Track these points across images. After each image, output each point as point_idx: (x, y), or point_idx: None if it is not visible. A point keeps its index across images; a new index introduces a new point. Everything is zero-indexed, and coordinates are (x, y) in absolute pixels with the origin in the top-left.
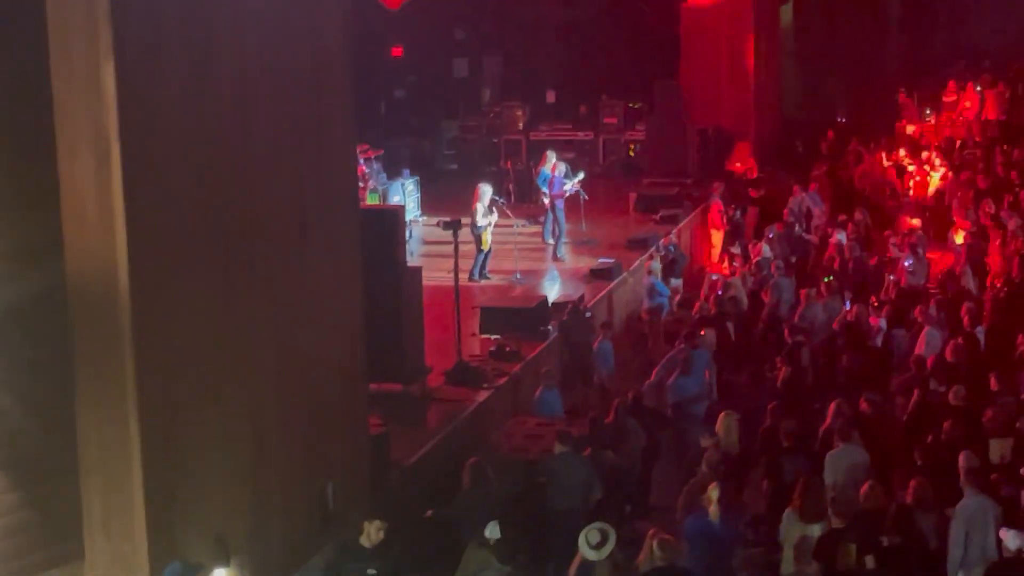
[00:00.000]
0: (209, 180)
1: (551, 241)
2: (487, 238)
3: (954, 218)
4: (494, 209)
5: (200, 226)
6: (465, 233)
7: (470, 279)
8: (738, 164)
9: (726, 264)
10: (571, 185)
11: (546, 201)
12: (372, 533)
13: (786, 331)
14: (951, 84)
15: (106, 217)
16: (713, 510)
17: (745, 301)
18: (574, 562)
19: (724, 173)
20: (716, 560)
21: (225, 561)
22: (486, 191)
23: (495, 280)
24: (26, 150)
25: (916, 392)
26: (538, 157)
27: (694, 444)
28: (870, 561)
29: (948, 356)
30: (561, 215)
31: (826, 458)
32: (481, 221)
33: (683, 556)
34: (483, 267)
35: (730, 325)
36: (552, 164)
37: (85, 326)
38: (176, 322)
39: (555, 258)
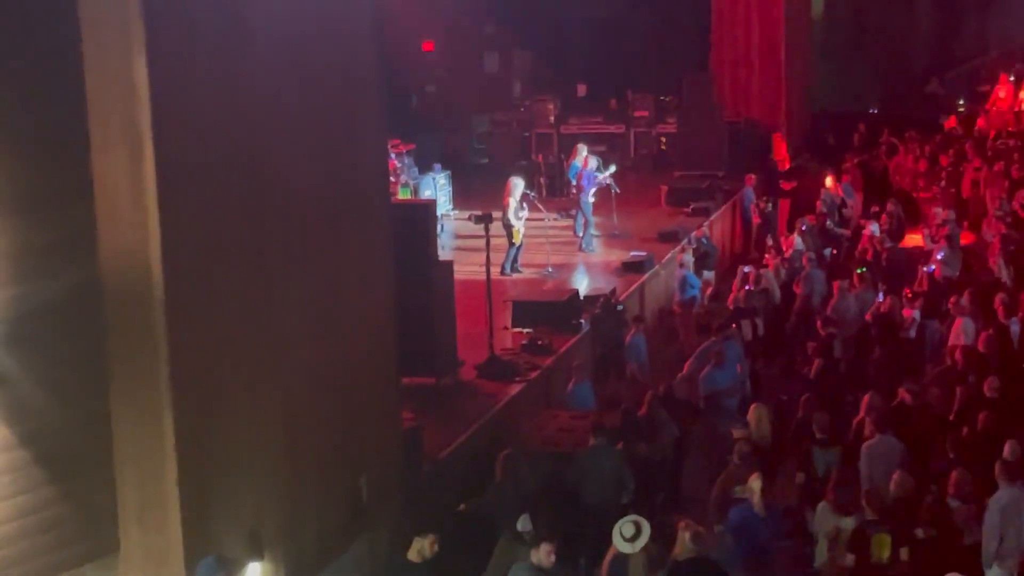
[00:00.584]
0: (241, 175)
1: (582, 234)
2: (519, 232)
3: (988, 209)
4: (525, 203)
5: (233, 221)
6: (497, 227)
7: (502, 273)
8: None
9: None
10: (603, 178)
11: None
12: (426, 548)
13: (818, 323)
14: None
15: (139, 212)
16: (757, 502)
17: (778, 294)
18: (608, 555)
19: (767, 166)
20: (759, 552)
21: (259, 555)
22: (518, 184)
23: (527, 273)
24: (60, 146)
25: (960, 387)
26: (569, 151)
27: (726, 436)
28: (904, 553)
29: (980, 347)
30: (587, 209)
31: (862, 449)
32: (512, 215)
33: (723, 547)
34: (515, 261)
35: (756, 319)
36: (583, 157)
37: (119, 321)
38: (209, 316)
39: (580, 251)
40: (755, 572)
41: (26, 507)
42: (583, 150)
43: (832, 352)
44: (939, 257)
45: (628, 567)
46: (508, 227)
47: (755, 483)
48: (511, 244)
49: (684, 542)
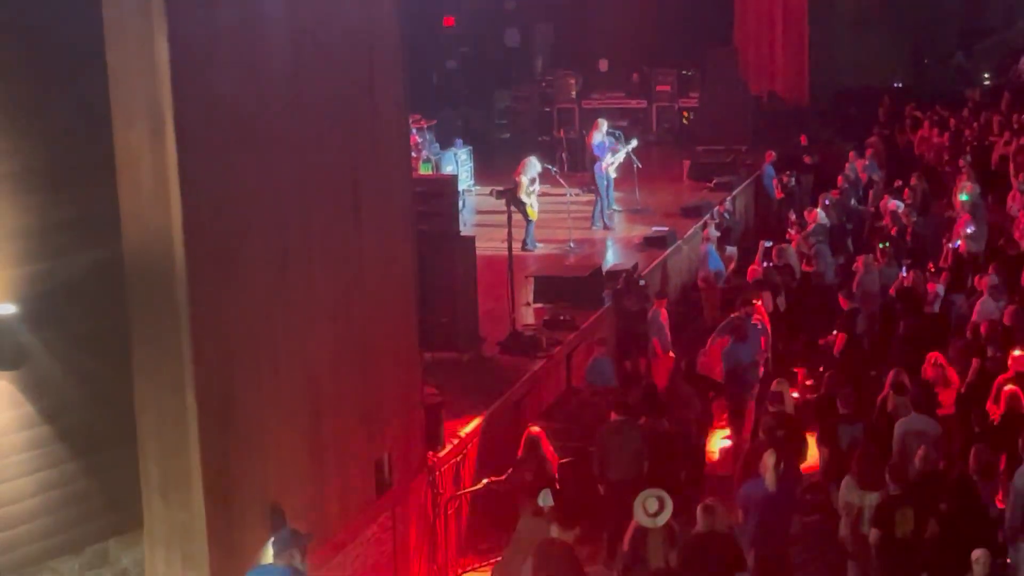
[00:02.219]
0: (263, 150)
1: (605, 210)
2: (532, 208)
3: (1012, 182)
4: (536, 180)
5: (254, 196)
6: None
7: (523, 248)
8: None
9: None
10: (621, 152)
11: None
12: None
13: (841, 298)
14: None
15: (161, 187)
16: (769, 477)
17: (799, 269)
18: (629, 529)
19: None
20: (773, 526)
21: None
22: (533, 165)
23: (545, 249)
24: (83, 122)
25: (975, 360)
26: (590, 126)
27: (748, 411)
28: (929, 529)
29: (1007, 321)
30: (600, 182)
31: (895, 426)
32: (523, 194)
33: (736, 523)
34: (531, 236)
35: (767, 294)
36: (601, 133)
37: (141, 296)
38: (232, 292)
39: (592, 227)
40: (767, 547)
41: (49, 482)
42: (603, 125)
43: (855, 327)
44: (967, 232)
45: (648, 541)
46: (520, 204)
47: (769, 459)
48: (528, 220)
49: (697, 516)
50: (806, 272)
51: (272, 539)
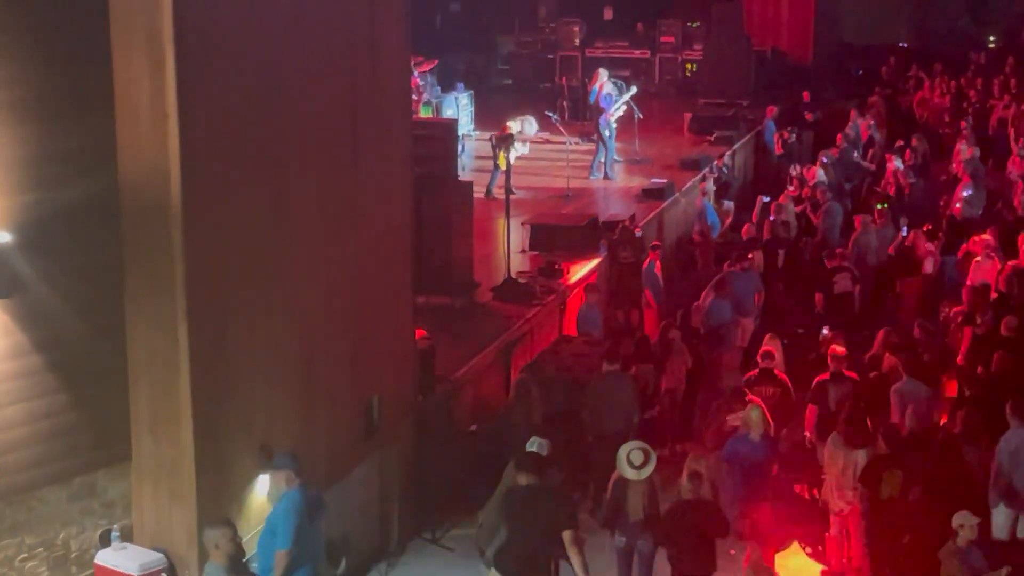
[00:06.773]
0: (263, 88)
1: (601, 160)
2: (505, 157)
3: (1012, 146)
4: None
5: (253, 134)
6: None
7: (486, 195)
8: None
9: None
10: (622, 101)
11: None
12: None
13: (825, 258)
14: None
15: (159, 122)
16: (755, 431)
17: (795, 225)
18: (612, 477)
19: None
20: (757, 481)
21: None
22: (531, 124)
23: (500, 195)
24: (82, 54)
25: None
26: (592, 74)
27: (725, 366)
28: (916, 492)
29: (1001, 286)
30: (604, 132)
31: (891, 391)
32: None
33: (720, 473)
34: (492, 184)
35: (759, 252)
36: (600, 82)
37: (136, 231)
38: (227, 230)
39: (592, 177)
40: (751, 502)
41: (39, 412)
42: (604, 74)
43: (835, 286)
44: (965, 195)
45: (627, 492)
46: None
47: (753, 412)
48: (496, 167)
49: (683, 483)
50: (811, 224)
51: (275, 467)
